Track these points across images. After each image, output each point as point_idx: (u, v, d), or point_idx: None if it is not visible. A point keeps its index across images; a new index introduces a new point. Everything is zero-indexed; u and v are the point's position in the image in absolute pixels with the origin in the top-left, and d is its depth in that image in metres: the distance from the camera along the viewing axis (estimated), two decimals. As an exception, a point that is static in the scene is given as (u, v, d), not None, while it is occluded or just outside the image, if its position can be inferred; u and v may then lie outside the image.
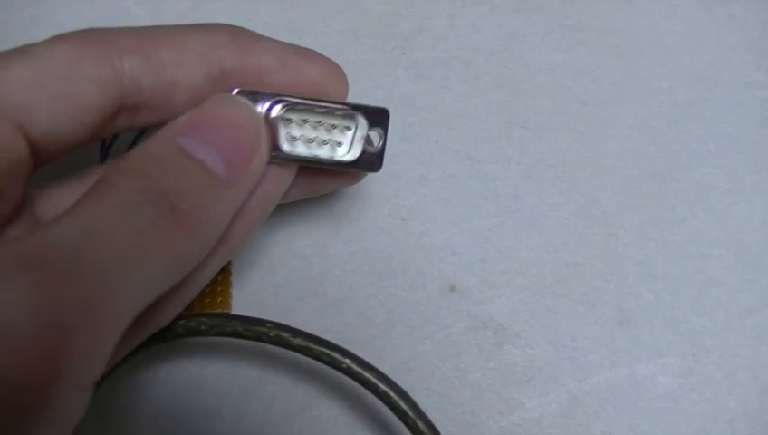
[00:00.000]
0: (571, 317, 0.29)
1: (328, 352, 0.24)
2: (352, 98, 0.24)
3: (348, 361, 0.24)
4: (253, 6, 0.30)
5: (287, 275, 0.29)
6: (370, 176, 0.26)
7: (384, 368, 0.25)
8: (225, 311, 0.27)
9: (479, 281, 0.29)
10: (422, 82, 0.30)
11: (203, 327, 0.24)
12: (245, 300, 0.28)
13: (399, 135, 0.29)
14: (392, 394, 0.24)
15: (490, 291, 0.29)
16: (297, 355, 0.25)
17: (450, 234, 0.29)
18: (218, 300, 0.28)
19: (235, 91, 0.21)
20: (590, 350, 0.29)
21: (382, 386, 0.24)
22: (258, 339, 0.24)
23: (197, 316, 0.25)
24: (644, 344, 0.29)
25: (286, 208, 0.29)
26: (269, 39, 0.22)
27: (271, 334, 0.24)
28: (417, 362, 0.28)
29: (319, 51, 0.27)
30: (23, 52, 0.19)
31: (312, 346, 0.24)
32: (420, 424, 0.24)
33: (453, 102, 0.30)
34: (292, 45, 0.23)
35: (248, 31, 0.22)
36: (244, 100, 0.21)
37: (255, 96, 0.21)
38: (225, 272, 0.28)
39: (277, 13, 0.30)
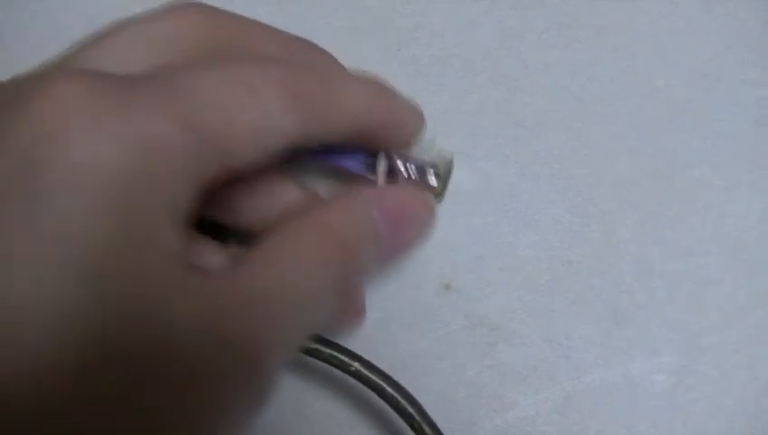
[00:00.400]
0: (566, 315, 0.29)
1: (337, 354, 0.24)
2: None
3: (356, 364, 0.24)
4: (250, 4, 0.30)
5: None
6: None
7: (380, 366, 0.25)
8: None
9: (475, 279, 0.29)
10: (419, 80, 0.30)
11: None
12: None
13: (396, 133, 0.29)
14: (399, 398, 0.24)
15: (486, 289, 0.29)
16: (300, 355, 0.25)
17: (446, 232, 0.29)
18: None
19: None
20: (586, 348, 0.29)
21: (389, 389, 0.24)
22: None
23: None
24: (640, 343, 0.29)
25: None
26: (398, 95, 0.25)
27: None
28: (413, 360, 0.28)
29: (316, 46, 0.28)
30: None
31: (322, 349, 0.24)
32: (426, 428, 0.24)
33: (450, 100, 0.30)
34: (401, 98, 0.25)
35: (387, 89, 0.24)
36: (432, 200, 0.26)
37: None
38: None
39: (275, 10, 0.30)
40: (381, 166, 0.25)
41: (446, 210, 0.29)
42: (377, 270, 0.25)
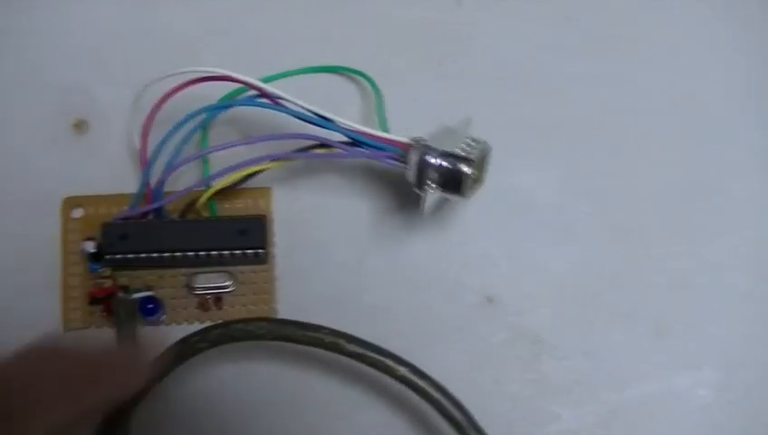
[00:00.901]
0: (607, 329, 0.29)
1: (383, 359, 0.24)
2: (391, 107, 0.27)
3: (403, 368, 0.24)
4: (287, 15, 0.30)
5: (326, 284, 0.29)
6: (409, 189, 0.26)
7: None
8: (272, 308, 0.28)
9: (516, 292, 0.29)
10: (456, 92, 0.30)
11: (260, 331, 0.24)
12: (286, 308, 0.28)
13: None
14: (446, 403, 0.24)
15: (527, 302, 0.29)
16: (345, 361, 0.25)
17: (488, 245, 0.29)
18: (264, 296, 0.28)
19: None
20: (627, 362, 0.29)
21: (436, 394, 0.24)
22: (314, 344, 0.24)
23: (255, 320, 0.25)
24: (681, 357, 0.29)
25: (325, 217, 0.29)
26: None
27: (327, 340, 0.24)
28: (456, 372, 0.28)
29: (355, 60, 0.29)
30: None
31: (368, 353, 0.24)
32: (473, 434, 0.24)
33: (488, 113, 0.30)
34: None
35: None
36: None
37: None
38: (268, 272, 0.28)
39: (313, 22, 0.30)
40: (414, 157, 0.25)
41: (486, 224, 0.29)
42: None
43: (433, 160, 0.24)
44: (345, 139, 0.26)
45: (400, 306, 0.29)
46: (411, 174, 0.25)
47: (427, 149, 0.25)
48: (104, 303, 0.28)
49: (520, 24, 0.31)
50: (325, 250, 0.29)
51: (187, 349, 0.26)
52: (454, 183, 0.25)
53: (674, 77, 0.31)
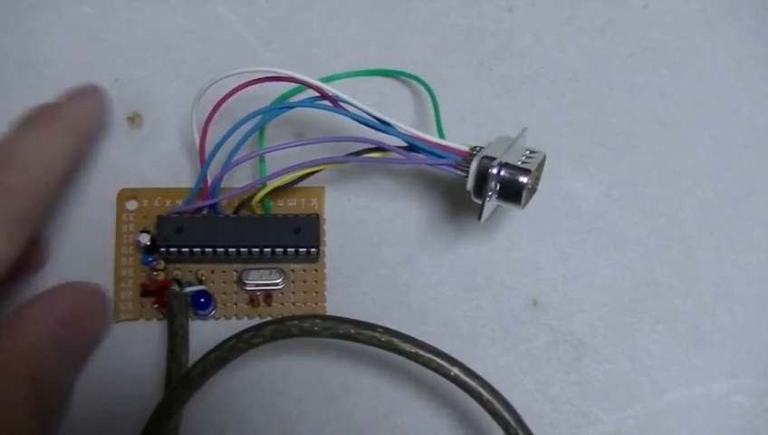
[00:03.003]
0: (648, 334, 0.29)
1: (436, 359, 0.25)
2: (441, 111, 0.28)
3: (455, 369, 0.25)
4: (344, 18, 0.31)
5: (374, 285, 0.29)
6: (458, 194, 0.26)
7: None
8: (321, 306, 0.29)
9: (560, 296, 0.30)
10: (507, 98, 0.31)
11: (316, 328, 0.25)
12: (332, 307, 0.29)
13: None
14: (496, 403, 0.25)
15: (571, 306, 0.30)
16: (393, 358, 0.25)
17: (534, 249, 0.30)
18: (314, 294, 0.29)
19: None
20: (667, 367, 0.29)
21: (486, 395, 0.25)
22: (369, 343, 0.25)
23: (311, 317, 0.25)
24: (719, 364, 0.29)
25: (375, 218, 0.29)
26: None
27: (382, 339, 0.25)
28: (500, 373, 0.29)
29: (408, 63, 0.29)
30: None
31: (422, 353, 0.25)
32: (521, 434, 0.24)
33: (537, 119, 0.31)
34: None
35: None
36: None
37: None
38: (318, 271, 0.29)
39: (367, 25, 0.31)
40: (474, 166, 0.25)
41: (532, 228, 0.30)
42: (73, 369, 0.26)
43: (493, 171, 0.25)
44: (402, 144, 0.26)
45: (447, 307, 0.29)
46: (470, 183, 0.25)
47: (487, 158, 0.25)
48: (157, 295, 0.28)
49: (571, 32, 0.31)
50: (375, 251, 0.29)
51: (242, 344, 0.26)
52: (513, 193, 0.25)
53: (719, 90, 0.31)
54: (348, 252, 0.29)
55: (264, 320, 0.28)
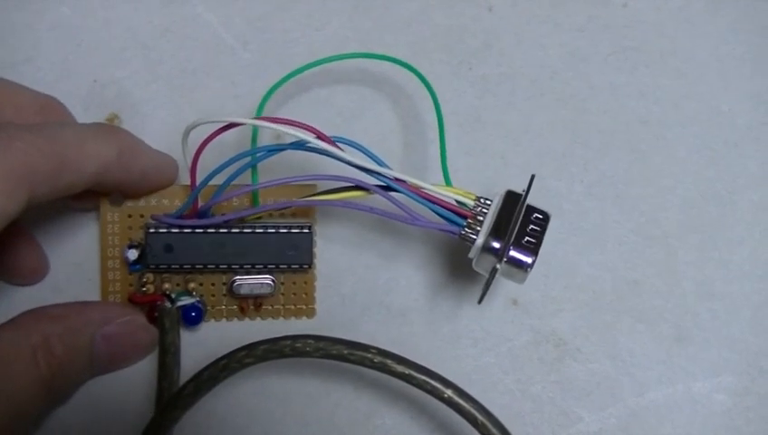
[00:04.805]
0: (630, 333, 0.29)
1: (430, 381, 0.25)
2: (422, 109, 0.26)
3: (449, 391, 0.25)
4: (324, 17, 0.30)
5: (354, 285, 0.29)
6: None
7: (448, 378, 0.26)
8: (311, 308, 0.28)
9: (541, 295, 0.29)
10: (488, 98, 0.31)
11: (308, 348, 0.25)
12: (322, 311, 0.29)
13: (465, 149, 0.30)
14: (491, 427, 0.24)
15: (552, 306, 0.29)
16: (397, 381, 0.25)
17: (514, 248, 0.30)
18: (303, 295, 0.28)
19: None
20: (648, 366, 0.29)
21: (481, 418, 0.24)
22: (362, 364, 0.25)
23: (303, 337, 0.25)
24: (701, 362, 0.29)
25: (354, 221, 0.29)
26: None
27: (375, 360, 0.25)
28: (480, 373, 0.29)
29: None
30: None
31: (415, 374, 0.25)
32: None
33: (518, 119, 0.31)
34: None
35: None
36: (153, 328, 0.27)
37: None
38: (309, 279, 0.28)
39: (347, 24, 0.31)
40: (478, 252, 0.24)
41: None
42: (88, 378, 0.27)
43: (499, 266, 0.24)
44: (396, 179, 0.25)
45: (427, 308, 0.29)
46: (474, 263, 0.25)
47: (495, 238, 0.24)
48: (147, 311, 0.28)
49: (552, 31, 0.31)
50: (354, 252, 0.29)
51: (234, 363, 0.26)
52: (517, 272, 0.24)
53: (700, 88, 0.31)
54: (326, 253, 0.29)
55: (254, 321, 0.28)
